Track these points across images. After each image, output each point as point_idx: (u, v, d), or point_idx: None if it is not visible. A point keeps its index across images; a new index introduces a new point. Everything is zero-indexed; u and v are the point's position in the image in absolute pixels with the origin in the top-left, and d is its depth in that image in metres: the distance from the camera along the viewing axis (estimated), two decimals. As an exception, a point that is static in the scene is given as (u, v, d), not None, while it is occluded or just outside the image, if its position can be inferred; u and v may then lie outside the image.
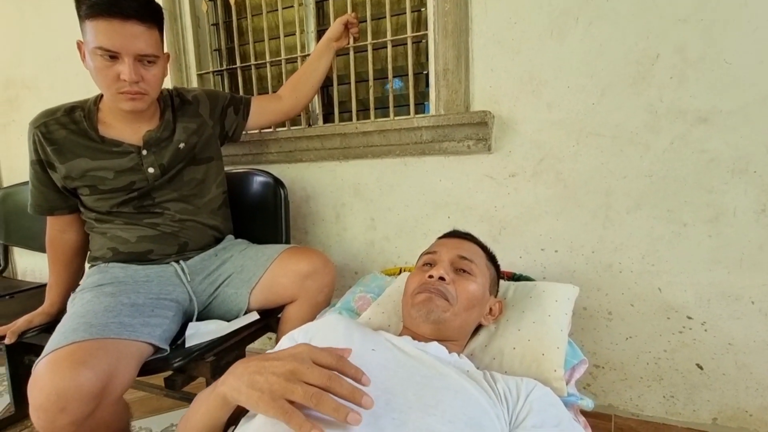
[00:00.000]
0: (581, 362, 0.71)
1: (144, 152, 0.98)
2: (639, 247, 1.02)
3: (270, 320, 1.10)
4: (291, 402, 0.42)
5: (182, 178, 1.04)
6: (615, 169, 1.01)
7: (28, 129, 0.96)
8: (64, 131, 0.95)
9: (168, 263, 1.02)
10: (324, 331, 0.70)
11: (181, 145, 1.03)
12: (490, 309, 0.75)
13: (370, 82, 1.23)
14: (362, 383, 0.46)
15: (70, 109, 0.97)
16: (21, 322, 1.01)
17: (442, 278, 0.70)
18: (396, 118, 1.17)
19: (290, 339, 0.69)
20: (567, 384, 0.67)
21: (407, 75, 1.20)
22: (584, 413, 1.13)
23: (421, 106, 1.25)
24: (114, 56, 0.87)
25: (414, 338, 0.68)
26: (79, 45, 0.91)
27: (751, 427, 1.00)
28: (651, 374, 1.07)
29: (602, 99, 1.00)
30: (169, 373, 0.91)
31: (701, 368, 1.02)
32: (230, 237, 1.15)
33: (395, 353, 0.62)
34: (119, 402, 0.79)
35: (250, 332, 1.03)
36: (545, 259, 1.11)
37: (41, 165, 0.98)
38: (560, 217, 1.08)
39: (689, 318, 1.01)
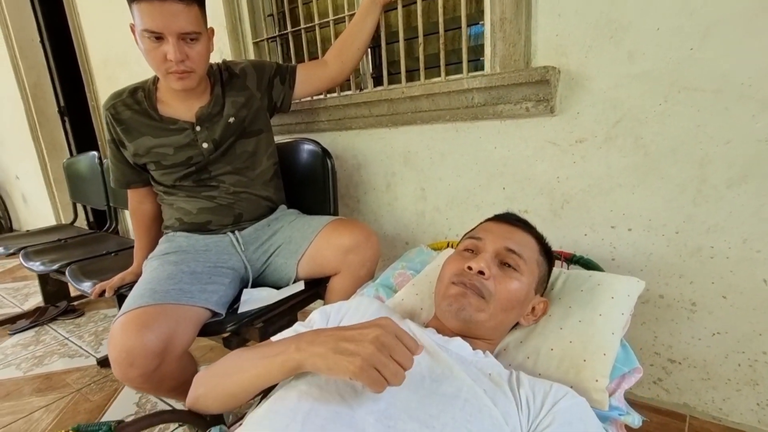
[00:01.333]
0: (634, 371, 0.62)
1: (198, 128, 1.03)
2: (740, 229, 0.83)
3: (319, 289, 1.14)
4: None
5: (234, 152, 1.08)
6: (715, 132, 0.81)
7: (102, 111, 1.06)
8: (129, 111, 1.03)
9: (225, 233, 1.09)
10: (352, 313, 0.69)
11: (231, 120, 1.05)
12: (533, 308, 0.68)
13: (420, 39, 1.12)
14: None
15: (134, 90, 1.05)
16: (116, 280, 1.18)
17: (481, 272, 0.63)
18: (446, 79, 1.06)
19: (322, 313, 0.70)
20: (611, 395, 0.59)
21: (460, 28, 1.06)
22: (655, 411, 1.02)
23: (478, 63, 1.11)
24: (159, 37, 0.89)
25: (439, 330, 0.64)
26: (132, 28, 0.95)
27: None
28: (743, 377, 0.90)
29: (704, 42, 0.79)
30: (227, 334, 1.01)
31: (814, 378, 0.84)
32: (283, 207, 1.19)
33: (413, 348, 0.59)
34: (183, 357, 0.89)
35: (299, 300, 1.08)
36: (615, 239, 0.97)
37: (115, 144, 1.08)
38: (637, 190, 0.91)
39: (804, 318, 0.82)
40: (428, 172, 1.19)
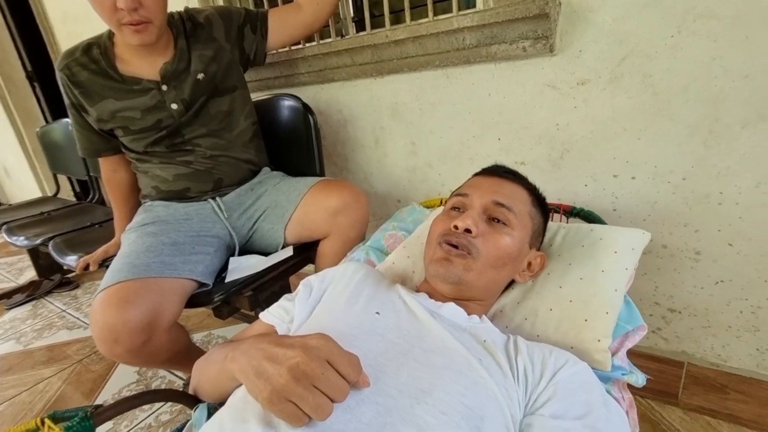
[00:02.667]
0: (638, 329, 0.58)
1: (164, 87, 0.94)
2: (754, 173, 0.78)
3: (310, 253, 1.10)
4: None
5: (208, 112, 1.00)
6: (733, 65, 0.73)
7: (57, 74, 0.96)
8: (86, 72, 0.93)
9: (206, 200, 1.03)
10: (337, 282, 0.65)
11: (200, 76, 0.96)
12: (529, 264, 0.63)
13: (404, -27, 1.00)
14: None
15: (87, 47, 0.94)
16: (99, 253, 1.14)
17: (468, 230, 0.58)
18: (434, 19, 0.95)
19: (306, 286, 0.67)
20: (614, 355, 0.56)
21: (448, -43, 0.94)
22: (652, 359, 1.02)
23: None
24: None
25: (431, 295, 0.61)
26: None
27: None
28: (744, 324, 0.89)
29: (726, -40, 0.69)
30: (216, 304, 0.98)
31: (818, 322, 0.82)
32: (266, 169, 1.12)
33: (401, 319, 0.55)
34: (172, 330, 0.86)
35: (289, 266, 1.05)
36: (618, 188, 0.91)
37: (75, 109, 0.99)
38: (644, 134, 0.84)
39: (813, 263, 0.78)
40: (418, 124, 1.11)
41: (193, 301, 0.91)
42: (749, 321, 0.88)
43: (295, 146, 1.15)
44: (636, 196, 0.90)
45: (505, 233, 0.59)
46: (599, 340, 0.56)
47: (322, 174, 1.15)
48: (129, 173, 1.12)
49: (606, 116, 0.87)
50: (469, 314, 0.58)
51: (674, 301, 0.94)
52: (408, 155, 1.17)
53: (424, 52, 0.98)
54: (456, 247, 0.58)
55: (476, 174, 0.70)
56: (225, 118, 1.02)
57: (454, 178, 1.11)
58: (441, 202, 1.00)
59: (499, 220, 0.60)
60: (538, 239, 0.65)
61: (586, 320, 0.57)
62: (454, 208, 0.65)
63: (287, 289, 1.09)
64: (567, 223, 0.79)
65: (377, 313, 0.56)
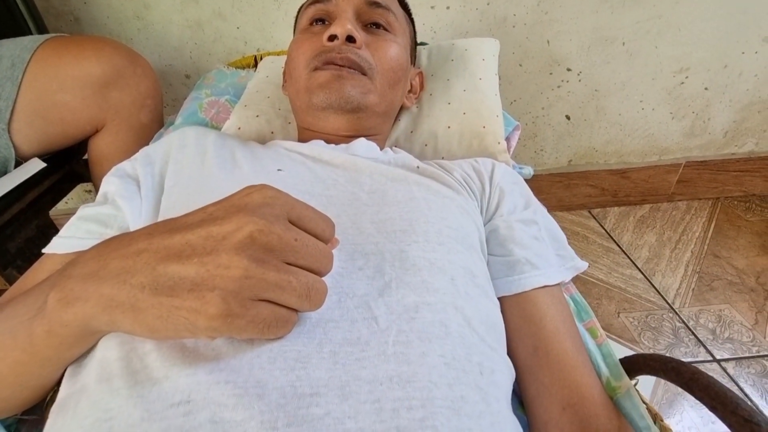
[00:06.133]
0: (515, 128, 0.61)
1: None
2: (534, -7, 0.88)
3: (73, 164, 0.71)
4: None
5: None
6: None
7: None
8: None
9: None
10: (178, 152, 0.42)
11: None
12: (410, 84, 0.55)
13: None
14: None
15: None
16: None
17: (351, 39, 0.44)
18: None
19: (121, 177, 0.41)
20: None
21: None
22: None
23: None
24: None
25: (326, 141, 0.46)
26: None
27: (595, 161, 1.17)
28: (528, 133, 1.10)
29: None
30: None
31: (569, 119, 1.08)
32: None
33: (314, 170, 0.40)
34: None
35: (45, 190, 0.66)
36: (435, 20, 0.90)
37: None
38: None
39: (568, 70, 1.00)
40: (190, -49, 0.78)
41: None
42: (531, 130, 1.09)
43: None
44: (451, 27, 0.91)
45: (391, 40, 0.48)
46: (499, 143, 0.55)
47: (45, 31, 0.71)
48: None
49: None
50: (381, 149, 0.47)
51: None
52: (185, 3, 0.83)
53: None
54: (343, 66, 0.44)
55: None
56: None
57: (259, 31, 0.87)
58: (258, 59, 0.78)
59: (379, 25, 0.48)
60: (414, 51, 0.56)
61: (484, 127, 0.56)
62: (314, 21, 0.49)
63: (51, 230, 0.70)
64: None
65: (279, 170, 0.38)
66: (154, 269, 0.21)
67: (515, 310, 0.37)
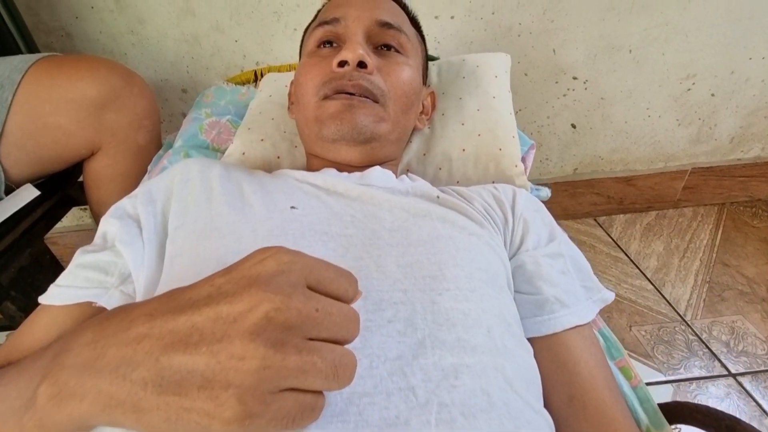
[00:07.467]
0: (531, 147, 0.59)
1: None
2: (542, 1, 0.86)
3: (69, 189, 0.68)
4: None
5: None
6: None
7: None
8: None
9: None
10: (181, 189, 0.40)
11: None
12: (422, 105, 0.53)
13: None
14: None
15: None
16: None
17: (362, 64, 0.41)
18: None
19: (120, 217, 0.38)
20: (523, 177, 0.55)
21: None
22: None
23: None
24: None
25: (338, 169, 0.43)
26: None
27: (600, 168, 1.16)
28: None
29: None
30: None
31: (574, 127, 1.07)
32: None
33: (329, 203, 0.37)
34: None
35: (38, 218, 0.63)
36: (439, 30, 0.88)
37: None
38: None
39: (574, 78, 0.98)
40: (186, -37, 0.75)
41: None
42: (536, 139, 1.07)
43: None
44: (455, 37, 0.89)
45: (403, 63, 0.45)
46: (516, 165, 0.53)
47: (35, 51, 0.68)
48: None
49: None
50: (397, 177, 0.44)
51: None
52: (181, 16, 0.80)
53: None
54: (353, 94, 0.41)
55: None
56: None
57: (258, 45, 0.84)
58: (259, 75, 0.75)
59: (390, 47, 0.45)
60: (426, 71, 0.54)
61: (500, 149, 0.53)
62: (322, 43, 0.46)
63: (45, 257, 0.67)
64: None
65: (293, 207, 0.36)
66: (158, 361, 0.18)
67: (546, 354, 0.35)
